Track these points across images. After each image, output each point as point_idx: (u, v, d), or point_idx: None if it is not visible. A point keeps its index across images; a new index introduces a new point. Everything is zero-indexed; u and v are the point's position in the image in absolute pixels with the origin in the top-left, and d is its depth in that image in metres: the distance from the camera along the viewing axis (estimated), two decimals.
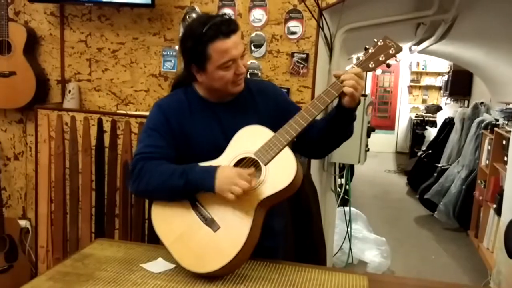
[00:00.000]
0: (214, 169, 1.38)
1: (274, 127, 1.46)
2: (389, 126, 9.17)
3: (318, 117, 1.49)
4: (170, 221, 1.43)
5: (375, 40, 1.48)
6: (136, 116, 2.55)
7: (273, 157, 1.40)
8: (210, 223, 1.39)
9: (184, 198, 1.42)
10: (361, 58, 1.47)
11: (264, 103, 1.60)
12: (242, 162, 1.44)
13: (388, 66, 1.49)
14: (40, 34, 2.75)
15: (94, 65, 2.73)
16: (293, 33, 2.49)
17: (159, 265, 1.47)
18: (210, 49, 1.42)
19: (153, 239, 2.58)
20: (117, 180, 2.60)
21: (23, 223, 2.85)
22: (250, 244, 1.36)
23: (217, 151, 1.47)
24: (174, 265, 1.45)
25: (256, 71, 2.54)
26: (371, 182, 6.82)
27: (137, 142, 1.55)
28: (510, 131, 3.64)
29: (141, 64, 2.68)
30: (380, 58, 1.46)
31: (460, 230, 4.86)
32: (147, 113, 2.60)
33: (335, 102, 1.49)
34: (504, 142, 3.89)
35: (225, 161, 1.44)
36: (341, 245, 3.73)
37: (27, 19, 2.76)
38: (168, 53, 2.62)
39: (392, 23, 2.78)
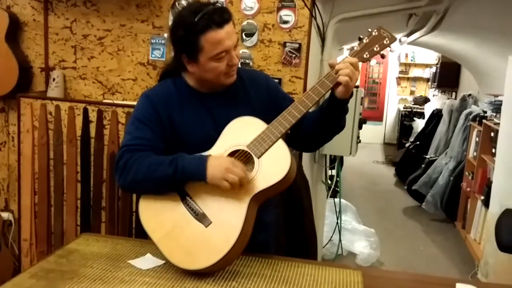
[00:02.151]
0: (205, 157, 1.34)
1: (267, 119, 1.41)
2: (378, 117, 9.18)
3: (311, 109, 1.44)
4: (159, 216, 1.38)
5: (369, 30, 1.44)
6: (123, 106, 2.48)
7: (266, 150, 1.36)
8: (201, 218, 1.35)
9: (174, 189, 1.37)
10: (355, 48, 1.43)
11: (256, 94, 1.55)
12: (234, 155, 1.39)
13: (383, 56, 1.45)
14: (23, 19, 2.65)
15: (80, 52, 2.64)
16: (286, 22, 2.43)
17: (147, 261, 1.42)
18: (202, 40, 1.36)
19: (141, 233, 2.50)
20: (104, 172, 2.53)
21: (5, 215, 2.77)
22: (243, 240, 1.32)
23: (208, 143, 1.42)
24: (163, 261, 1.41)
25: (247, 61, 2.48)
26: (360, 173, 6.83)
27: (123, 134, 1.48)
28: (498, 123, 3.64)
29: (129, 52, 2.60)
30: (375, 49, 1.42)
31: (447, 221, 4.89)
32: (134, 103, 2.52)
33: (328, 94, 1.45)
34: (492, 134, 3.90)
35: (216, 153, 1.39)
36: (331, 237, 3.72)
37: (9, 3, 2.65)
38: (157, 41, 2.55)
39: (384, 13, 2.74)
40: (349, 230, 3.95)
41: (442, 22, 3.11)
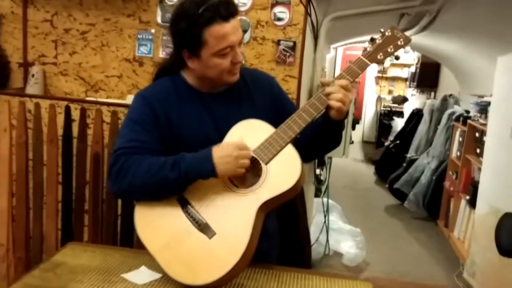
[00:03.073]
0: (208, 151, 1.25)
1: (270, 121, 1.33)
2: (356, 115, 9.22)
3: None
4: (157, 225, 1.28)
5: (382, 30, 1.38)
6: (108, 104, 2.35)
7: (274, 155, 1.28)
8: (204, 228, 1.25)
9: (176, 194, 1.28)
10: (368, 49, 1.36)
11: (260, 95, 1.47)
12: None
13: (397, 58, 1.38)
14: (0, 12, 2.48)
15: (61, 47, 2.49)
16: (280, 19, 2.35)
17: (142, 275, 1.32)
18: (206, 34, 1.26)
19: (127, 239, 2.42)
20: (87, 174, 2.40)
21: None
22: (249, 253, 1.23)
23: (207, 146, 1.33)
24: (160, 275, 1.30)
25: None
26: (341, 171, 6.82)
27: (117, 138, 1.37)
28: (484, 124, 3.66)
29: (113, 48, 2.47)
30: (389, 50, 1.35)
31: (429, 219, 4.93)
32: (120, 101, 2.43)
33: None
34: (477, 134, 3.92)
35: None
36: (318, 237, 3.67)
37: None
38: (144, 36, 2.42)
39: (377, 12, 2.69)
40: (335, 230, 3.91)
41: (434, 22, 3.09)
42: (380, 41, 1.36)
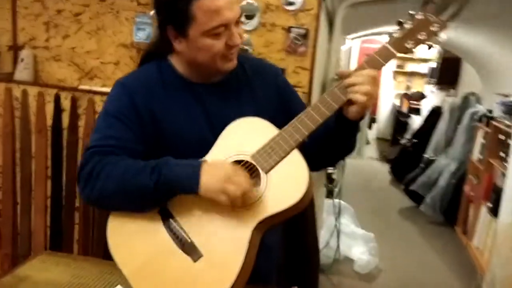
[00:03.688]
0: (198, 163, 1.03)
1: (274, 121, 1.11)
2: (371, 111, 8.91)
3: None
4: (132, 242, 1.07)
5: (412, 13, 1.13)
6: (101, 94, 2.15)
7: (277, 163, 1.06)
8: (188, 249, 1.04)
9: (156, 205, 1.06)
10: (394, 35, 1.12)
11: (263, 89, 1.24)
12: None
13: (430, 47, 1.14)
14: None
15: (53, 30, 2.29)
16: (291, 3, 2.11)
17: None
18: (195, 7, 1.04)
19: None
20: (78, 167, 2.20)
21: None
22: (242, 279, 1.02)
23: (201, 148, 1.11)
24: None
25: (245, 47, 2.17)
26: (353, 169, 6.56)
27: (91, 132, 1.16)
28: (510, 126, 3.39)
29: (110, 32, 2.26)
30: (420, 37, 1.11)
31: (446, 224, 4.66)
32: None
33: None
34: (501, 136, 3.65)
35: None
36: (328, 240, 3.45)
37: None
38: (142, 20, 2.21)
39: None
40: (347, 234, 3.68)
41: (460, 13, 2.82)
42: (410, 26, 1.11)
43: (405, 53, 1.12)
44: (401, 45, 1.10)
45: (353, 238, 3.64)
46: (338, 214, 3.33)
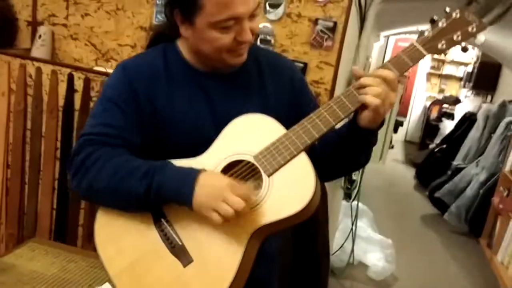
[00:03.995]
0: (195, 174, 0.93)
1: (283, 122, 1.00)
2: (401, 112, 8.64)
3: None
4: (120, 240, 0.99)
5: (447, 10, 0.99)
6: None
7: (281, 166, 0.95)
8: (178, 252, 0.95)
9: (145, 210, 0.97)
10: (426, 34, 0.99)
11: (276, 85, 1.12)
12: (234, 168, 0.98)
13: (465, 50, 1.00)
14: None
15: (72, 7, 2.23)
16: None
17: None
18: None
19: None
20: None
21: None
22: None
23: (201, 144, 1.01)
24: None
25: (268, 37, 2.05)
26: (375, 170, 6.36)
27: (88, 117, 1.07)
28: None
29: (129, 13, 2.18)
30: (455, 38, 0.98)
31: (470, 236, 4.45)
32: None
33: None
34: None
35: (209, 161, 0.99)
36: (343, 244, 3.32)
37: None
38: (163, 2, 2.11)
39: None
40: (363, 238, 3.53)
41: (505, 16, 2.62)
42: (444, 24, 0.98)
43: (436, 54, 0.99)
44: (432, 45, 0.97)
45: (369, 243, 3.50)
46: (355, 217, 3.19)
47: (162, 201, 0.95)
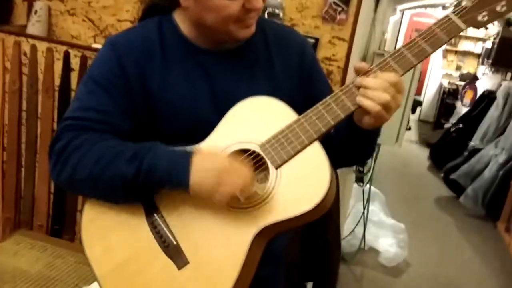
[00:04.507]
0: (189, 153, 0.81)
1: (291, 106, 0.87)
2: (416, 91, 8.40)
3: None
4: (108, 239, 0.88)
5: None
6: None
7: (291, 156, 0.82)
8: (172, 252, 0.84)
9: (134, 200, 0.86)
10: (464, 3, 0.84)
11: (284, 64, 0.99)
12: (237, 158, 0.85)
13: (509, 23, 0.85)
14: None
15: None
16: None
17: None
18: None
19: None
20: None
21: None
22: None
23: (200, 128, 0.90)
24: None
25: (276, 11, 1.89)
26: (389, 150, 6.20)
27: (72, 99, 0.95)
28: None
29: None
30: (499, 8, 0.82)
31: (487, 219, 4.31)
32: None
33: None
34: None
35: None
36: (354, 228, 3.21)
37: None
38: None
39: None
40: (375, 223, 3.41)
41: None
42: None
43: (475, 27, 0.83)
44: (471, 18, 0.82)
45: (381, 227, 3.38)
46: (367, 201, 3.07)
47: (154, 185, 0.83)
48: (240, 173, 0.78)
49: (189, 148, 0.84)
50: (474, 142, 4.93)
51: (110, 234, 0.88)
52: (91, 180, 0.84)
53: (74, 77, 1.98)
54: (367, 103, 0.80)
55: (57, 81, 2.01)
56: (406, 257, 3.34)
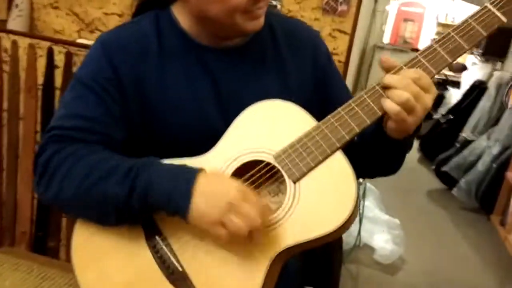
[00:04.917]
0: (192, 173, 0.71)
1: (307, 108, 0.78)
2: None
3: None
4: (103, 264, 0.78)
5: None
6: None
7: (311, 168, 0.72)
8: (178, 280, 0.74)
9: (128, 222, 0.76)
10: None
11: (295, 62, 0.89)
12: (249, 172, 0.76)
13: None
14: None
15: None
16: None
17: None
18: None
19: None
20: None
21: None
22: None
23: (204, 135, 0.80)
24: None
25: (273, 2, 1.80)
26: None
27: (58, 105, 0.84)
28: None
29: None
30: None
31: (480, 212, 4.29)
32: None
33: None
34: None
35: (215, 162, 0.77)
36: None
37: None
38: None
39: None
40: (370, 219, 3.35)
41: None
42: None
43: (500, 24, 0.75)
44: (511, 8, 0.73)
45: (376, 223, 3.32)
46: (363, 196, 3.00)
47: (149, 209, 0.73)
48: (247, 208, 0.67)
49: (190, 162, 0.74)
50: (466, 134, 4.90)
51: (105, 258, 0.78)
52: (78, 199, 0.74)
53: (58, 74, 1.85)
54: (385, 103, 0.71)
55: (40, 79, 1.88)
56: (402, 254, 3.29)
